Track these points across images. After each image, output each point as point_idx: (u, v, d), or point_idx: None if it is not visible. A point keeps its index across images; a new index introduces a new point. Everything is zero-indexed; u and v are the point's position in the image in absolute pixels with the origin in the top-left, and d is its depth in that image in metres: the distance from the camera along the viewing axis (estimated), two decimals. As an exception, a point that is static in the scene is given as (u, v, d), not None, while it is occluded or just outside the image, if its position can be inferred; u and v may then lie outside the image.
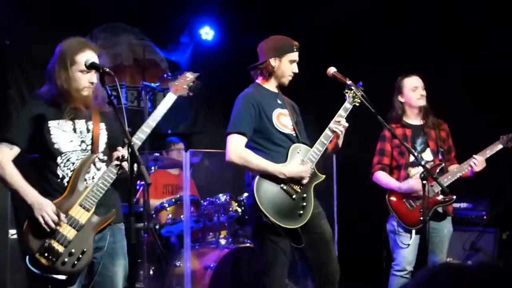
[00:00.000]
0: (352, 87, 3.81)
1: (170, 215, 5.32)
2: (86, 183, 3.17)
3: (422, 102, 4.56)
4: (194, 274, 4.96)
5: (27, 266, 3.02)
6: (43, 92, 3.24)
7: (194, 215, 5.32)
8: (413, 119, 4.64)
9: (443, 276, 1.19)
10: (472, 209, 5.42)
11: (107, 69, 3.00)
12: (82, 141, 3.22)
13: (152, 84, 5.15)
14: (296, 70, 3.86)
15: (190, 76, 3.50)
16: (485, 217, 5.30)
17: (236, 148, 3.69)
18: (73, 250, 3.04)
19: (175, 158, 6.04)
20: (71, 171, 3.16)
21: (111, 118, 3.36)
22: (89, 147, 3.23)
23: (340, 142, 3.82)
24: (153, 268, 5.39)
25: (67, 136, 3.18)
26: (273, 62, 3.82)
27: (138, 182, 5.29)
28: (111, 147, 3.32)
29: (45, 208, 3.01)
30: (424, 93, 4.56)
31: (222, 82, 7.09)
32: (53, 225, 3.00)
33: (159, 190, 5.97)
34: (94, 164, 3.22)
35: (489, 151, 4.39)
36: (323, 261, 3.78)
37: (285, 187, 3.64)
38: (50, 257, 3.00)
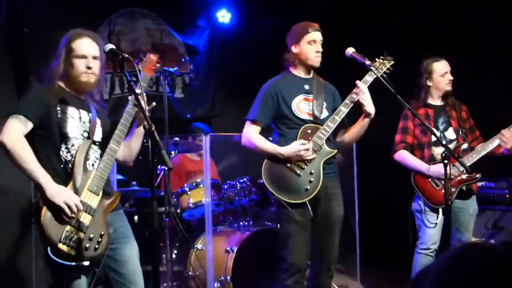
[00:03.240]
0: (381, 58, 3.99)
1: (191, 199, 5.34)
2: (88, 169, 3.17)
3: (450, 87, 4.59)
4: (216, 257, 5.00)
5: (49, 257, 2.96)
6: (49, 78, 3.25)
7: (215, 199, 5.34)
8: (435, 100, 4.65)
9: (468, 257, 1.19)
10: (494, 188, 5.37)
11: (126, 55, 3.00)
12: (85, 131, 3.24)
13: (171, 69, 5.15)
14: (319, 49, 3.95)
15: (154, 57, 3.50)
16: (507, 196, 5.25)
17: (248, 133, 3.97)
18: (92, 235, 3.06)
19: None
20: (72, 156, 3.14)
21: (102, 112, 3.43)
22: (87, 135, 3.26)
23: (368, 109, 3.86)
24: (175, 251, 5.43)
25: (74, 123, 3.18)
26: (294, 49, 3.98)
27: (159, 166, 5.31)
28: (106, 139, 3.32)
29: (66, 194, 2.99)
30: (451, 77, 4.58)
31: (239, 65, 7.08)
32: (75, 210, 2.98)
33: (182, 177, 5.97)
34: (92, 148, 3.22)
35: None
36: (323, 238, 3.90)
37: (290, 165, 3.82)
38: (73, 244, 2.99)
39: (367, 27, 6.61)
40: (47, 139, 3.13)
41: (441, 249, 4.49)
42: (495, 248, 1.20)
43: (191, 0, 6.97)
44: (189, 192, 5.36)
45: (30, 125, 3.06)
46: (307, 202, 3.79)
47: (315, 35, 3.93)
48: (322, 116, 3.94)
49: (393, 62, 4.01)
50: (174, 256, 5.38)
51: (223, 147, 6.01)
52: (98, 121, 3.34)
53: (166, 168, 3.05)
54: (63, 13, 5.79)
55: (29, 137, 3.08)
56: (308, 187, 3.79)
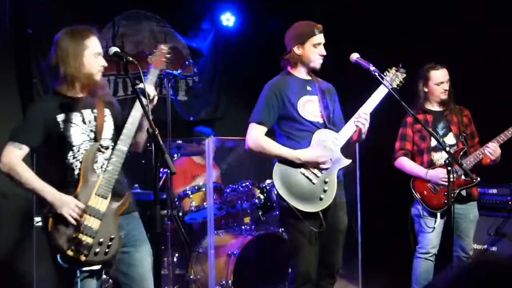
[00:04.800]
0: (394, 69, 3.88)
1: (194, 202, 5.33)
2: (96, 172, 3.15)
3: (444, 96, 4.61)
4: (217, 261, 4.98)
5: (59, 264, 3.00)
6: (51, 87, 3.25)
7: (217, 202, 5.33)
8: (434, 105, 4.69)
9: (478, 274, 1.16)
10: (496, 194, 5.36)
11: (130, 58, 3.00)
12: (91, 131, 3.21)
13: (174, 72, 5.14)
14: (323, 52, 3.84)
15: (165, 48, 3.47)
16: (510, 203, 5.24)
17: (254, 136, 3.77)
18: (101, 239, 3.05)
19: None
20: (80, 162, 3.13)
21: (116, 107, 3.38)
22: (95, 136, 3.22)
23: (363, 136, 3.79)
24: (177, 255, 5.43)
25: (77, 129, 3.16)
26: (297, 50, 3.83)
27: (162, 169, 5.31)
28: (120, 132, 3.29)
29: (68, 204, 3.00)
30: (447, 87, 4.60)
31: (243, 68, 7.08)
32: (80, 220, 3.00)
33: (188, 180, 5.96)
34: (100, 151, 3.19)
35: (503, 137, 4.40)
36: (329, 248, 3.81)
37: (304, 172, 3.66)
38: (82, 250, 2.99)
39: (372, 30, 6.59)
40: (53, 152, 3.16)
41: (441, 254, 4.52)
42: (501, 263, 1.18)
43: (196, 3, 6.97)
44: (191, 196, 5.35)
45: (26, 149, 3.10)
46: (320, 212, 3.67)
47: (321, 38, 3.82)
48: (332, 120, 3.86)
49: (405, 75, 3.90)
50: (175, 259, 5.37)
51: (226, 150, 6.01)
52: (108, 115, 3.30)
53: (169, 172, 3.03)
54: (67, 14, 5.79)
55: (37, 153, 3.16)
56: (323, 196, 3.66)
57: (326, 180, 3.68)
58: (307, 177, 3.66)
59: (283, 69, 3.97)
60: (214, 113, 7.22)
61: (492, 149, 4.37)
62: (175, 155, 5.63)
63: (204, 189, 5.31)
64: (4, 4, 5.51)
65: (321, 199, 3.65)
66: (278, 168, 3.70)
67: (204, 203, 5.25)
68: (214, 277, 4.90)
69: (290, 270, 3.83)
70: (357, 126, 3.72)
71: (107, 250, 3.07)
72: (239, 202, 5.31)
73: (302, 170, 3.67)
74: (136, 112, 3.19)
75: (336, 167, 3.73)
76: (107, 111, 3.30)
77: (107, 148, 3.23)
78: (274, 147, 3.73)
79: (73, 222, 2.99)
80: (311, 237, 3.69)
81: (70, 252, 2.98)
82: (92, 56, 3.17)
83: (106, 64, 3.21)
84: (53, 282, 5.07)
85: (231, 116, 7.21)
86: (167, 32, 6.83)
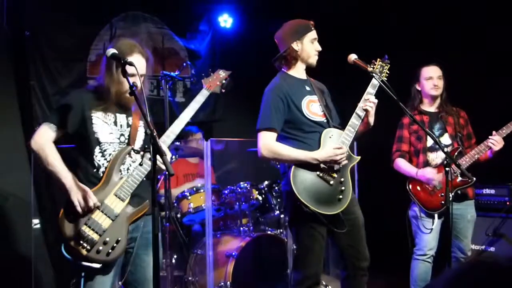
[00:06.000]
0: (379, 61, 3.86)
1: (192, 204, 5.33)
2: (121, 174, 3.20)
3: (435, 92, 4.65)
4: (216, 262, 4.99)
5: (62, 253, 3.04)
6: (92, 83, 3.30)
7: (215, 204, 5.33)
8: (429, 106, 4.72)
9: (474, 274, 1.17)
10: (494, 195, 5.36)
11: (128, 60, 3.01)
12: (121, 134, 3.26)
13: (172, 73, 5.14)
14: (319, 48, 3.87)
15: (223, 73, 3.58)
16: (507, 203, 5.25)
17: (267, 143, 3.71)
18: (107, 239, 3.07)
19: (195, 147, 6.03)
20: (107, 161, 3.19)
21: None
22: (127, 141, 3.27)
23: (371, 120, 3.80)
24: (175, 256, 5.42)
25: (107, 128, 3.22)
26: (296, 46, 3.83)
27: (160, 171, 5.30)
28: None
29: (82, 192, 3.04)
30: (437, 83, 4.64)
31: (241, 70, 7.03)
32: (88, 206, 3.03)
33: (180, 179, 5.98)
34: (130, 156, 3.25)
35: (506, 130, 4.42)
36: (355, 247, 3.79)
37: (321, 174, 3.64)
38: (85, 245, 3.01)
39: (367, 32, 6.59)
40: (82, 144, 3.21)
41: (439, 255, 4.52)
42: (499, 264, 1.19)
43: (193, 5, 6.96)
44: (189, 197, 5.35)
45: (59, 132, 3.17)
46: (340, 213, 3.66)
47: (315, 34, 3.86)
48: (333, 118, 3.86)
49: (389, 66, 3.90)
50: (174, 261, 5.36)
51: (224, 152, 6.02)
52: (141, 127, 3.35)
53: (167, 174, 3.04)
54: (65, 17, 5.80)
55: (68, 141, 3.21)
56: (341, 196, 3.65)
57: (342, 180, 3.68)
58: (325, 179, 3.64)
59: (278, 70, 3.96)
60: (212, 115, 7.21)
61: (495, 140, 4.37)
62: (173, 157, 5.63)
63: (202, 190, 5.31)
64: (2, 6, 5.50)
65: (339, 200, 3.65)
66: (296, 173, 3.63)
67: (203, 205, 5.25)
68: (212, 278, 4.91)
69: (293, 273, 3.79)
70: (365, 110, 3.71)
71: (110, 251, 3.07)
72: (237, 203, 5.31)
73: (319, 172, 3.64)
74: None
75: (348, 165, 3.74)
76: (141, 123, 3.35)
77: (139, 152, 3.24)
78: (289, 151, 3.68)
79: (79, 210, 3.02)
80: (320, 241, 3.67)
81: (73, 243, 3.01)
82: (126, 75, 3.11)
83: (139, 85, 3.03)
84: (51, 283, 5.09)
85: (229, 118, 7.19)
86: (164, 33, 6.83)
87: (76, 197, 3.03)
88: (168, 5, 6.74)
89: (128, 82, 2.92)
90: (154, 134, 2.79)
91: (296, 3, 6.66)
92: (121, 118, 3.29)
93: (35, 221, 5.01)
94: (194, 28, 7.09)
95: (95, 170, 3.18)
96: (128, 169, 3.24)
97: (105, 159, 3.20)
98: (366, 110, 3.73)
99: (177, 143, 5.49)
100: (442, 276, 1.22)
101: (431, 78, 4.63)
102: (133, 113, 3.32)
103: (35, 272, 4.95)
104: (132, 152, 3.25)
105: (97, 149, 3.19)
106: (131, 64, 2.98)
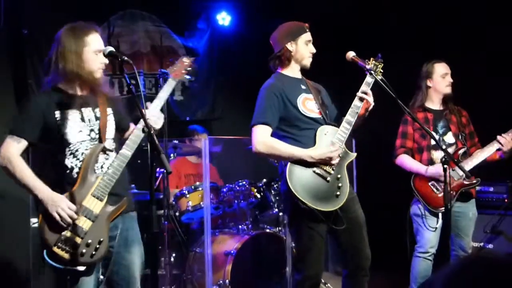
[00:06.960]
0: (372, 60, 3.80)
1: (190, 202, 5.32)
2: (96, 173, 3.13)
3: (449, 89, 4.62)
4: (214, 261, 4.98)
5: (46, 260, 2.99)
6: (48, 82, 3.19)
7: (214, 202, 5.32)
8: (435, 104, 4.68)
9: (472, 269, 1.16)
10: (492, 192, 5.37)
11: (126, 58, 2.95)
12: (91, 130, 3.18)
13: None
14: (314, 50, 3.86)
15: (187, 61, 3.49)
16: (506, 200, 5.25)
17: (261, 138, 3.67)
18: (90, 241, 3.02)
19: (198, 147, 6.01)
20: (80, 162, 3.11)
21: (116, 101, 3.37)
22: (98, 136, 3.19)
23: (371, 105, 3.74)
24: (174, 255, 5.42)
25: (75, 127, 3.13)
26: (290, 46, 3.82)
27: (158, 169, 5.30)
28: (120, 131, 3.32)
29: (59, 204, 2.98)
30: (451, 80, 4.61)
31: (239, 67, 7.06)
32: (69, 220, 2.98)
33: (182, 180, 5.97)
34: (104, 152, 3.19)
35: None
36: (356, 246, 3.76)
37: (317, 171, 3.60)
38: (68, 249, 2.97)
39: (367, 32, 6.59)
40: (52, 148, 3.14)
41: (439, 253, 4.51)
42: (498, 260, 1.18)
43: (191, 3, 6.96)
44: (188, 195, 5.35)
45: (25, 143, 3.09)
46: (338, 210, 3.63)
47: (309, 36, 3.85)
48: (330, 115, 3.85)
49: (383, 64, 3.82)
50: (172, 259, 5.36)
51: (222, 150, 6.01)
52: (110, 114, 3.28)
53: (165, 172, 3.03)
54: (63, 15, 5.77)
55: (34, 149, 3.14)
56: (338, 192, 3.61)
57: (339, 176, 3.66)
58: (321, 176, 3.61)
59: (272, 71, 3.95)
60: (210, 113, 7.21)
61: (504, 140, 4.34)
62: (172, 155, 5.63)
63: (200, 188, 5.31)
64: (-1, 5, 5.50)
65: (337, 196, 3.62)
66: (292, 170, 3.60)
67: (201, 203, 5.24)
68: (211, 277, 4.90)
69: (293, 273, 3.78)
70: (361, 101, 3.68)
71: (94, 252, 3.04)
72: (236, 201, 5.30)
73: (315, 169, 3.61)
74: (141, 125, 3.18)
75: (344, 162, 3.72)
76: (109, 110, 3.28)
77: (111, 150, 3.22)
78: (284, 147, 3.64)
79: (61, 222, 2.97)
80: (320, 240, 3.65)
81: (55, 249, 2.97)
82: (93, 53, 3.15)
83: (107, 62, 3.17)
84: (49, 282, 5.08)
85: (227, 116, 7.19)
86: (162, 32, 6.82)
87: (55, 210, 2.97)
88: (167, 3, 6.74)
89: (127, 81, 2.90)
90: (152, 132, 2.76)
91: (295, 3, 6.66)
92: (87, 112, 3.18)
93: (33, 220, 4.99)
94: (192, 26, 7.09)
95: (68, 171, 3.11)
96: (102, 167, 3.18)
97: (77, 159, 3.11)
98: (362, 102, 3.69)
99: (175, 141, 5.48)
100: (441, 272, 1.21)
101: (446, 75, 4.59)
102: (99, 104, 3.22)
103: (33, 271, 4.94)
104: (105, 149, 3.18)
105: (67, 151, 3.10)
106: (128, 62, 2.93)
